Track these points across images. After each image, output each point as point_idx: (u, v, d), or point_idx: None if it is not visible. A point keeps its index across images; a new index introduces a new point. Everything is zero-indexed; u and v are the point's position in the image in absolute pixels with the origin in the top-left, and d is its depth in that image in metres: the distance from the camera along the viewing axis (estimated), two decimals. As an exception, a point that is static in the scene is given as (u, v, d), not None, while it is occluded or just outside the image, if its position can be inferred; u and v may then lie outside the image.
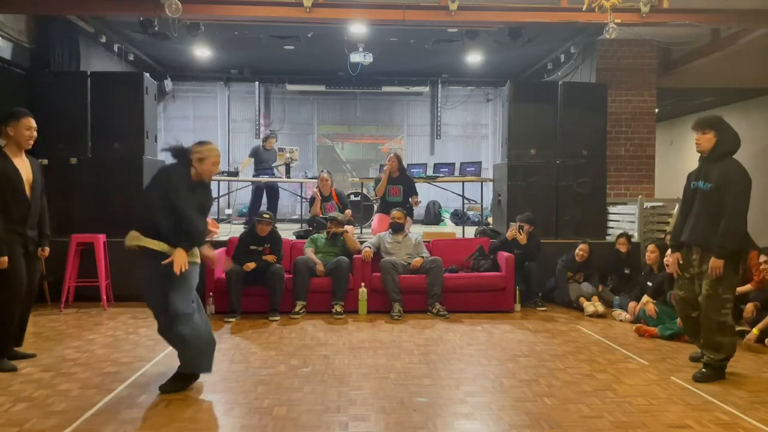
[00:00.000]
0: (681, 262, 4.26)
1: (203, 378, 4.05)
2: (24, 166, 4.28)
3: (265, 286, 6.02)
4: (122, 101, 7.04)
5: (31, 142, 4.32)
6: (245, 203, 10.95)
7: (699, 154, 4.18)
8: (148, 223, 3.71)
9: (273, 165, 9.70)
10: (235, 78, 12.07)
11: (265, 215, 6.32)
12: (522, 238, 6.56)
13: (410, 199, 7.34)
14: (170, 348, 4.74)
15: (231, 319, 5.82)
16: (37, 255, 4.45)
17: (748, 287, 5.42)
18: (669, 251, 4.43)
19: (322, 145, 12.91)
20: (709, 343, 4.08)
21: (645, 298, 5.71)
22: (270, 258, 6.14)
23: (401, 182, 7.40)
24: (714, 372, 4.09)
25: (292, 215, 11.67)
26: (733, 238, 3.94)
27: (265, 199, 9.51)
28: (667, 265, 4.53)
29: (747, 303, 5.34)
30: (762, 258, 5.24)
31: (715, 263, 3.94)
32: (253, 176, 9.51)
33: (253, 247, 6.19)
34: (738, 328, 5.24)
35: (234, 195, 11.09)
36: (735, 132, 4.10)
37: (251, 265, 6.00)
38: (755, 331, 4.99)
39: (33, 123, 4.32)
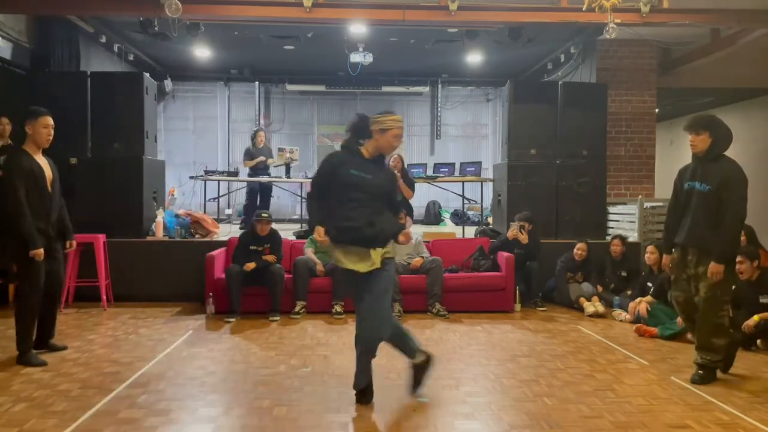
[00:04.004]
0: (672, 263, 4.27)
1: (204, 377, 4.07)
2: (44, 164, 4.41)
3: (265, 286, 6.02)
4: (122, 101, 7.04)
5: (50, 140, 4.44)
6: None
7: (696, 155, 4.13)
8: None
9: (274, 165, 9.66)
10: (235, 78, 12.06)
11: (264, 214, 6.31)
12: (524, 238, 6.56)
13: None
14: (170, 348, 4.78)
15: (231, 319, 5.81)
16: (60, 252, 4.58)
17: None
18: (652, 251, 4.43)
19: (322, 145, 12.89)
20: (705, 344, 4.07)
21: (640, 298, 5.74)
22: (270, 258, 6.15)
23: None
24: (710, 373, 4.09)
25: (292, 215, 11.66)
26: (734, 242, 3.97)
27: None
28: (666, 268, 4.52)
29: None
30: (738, 258, 5.21)
31: (715, 268, 3.92)
32: (249, 176, 9.41)
33: (253, 247, 6.18)
34: None
35: (234, 195, 11.08)
36: (728, 128, 4.06)
37: (251, 265, 5.99)
38: (756, 318, 4.96)
39: (50, 121, 4.43)
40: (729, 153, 4.10)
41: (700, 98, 10.82)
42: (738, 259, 5.08)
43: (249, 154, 9.25)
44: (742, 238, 5.69)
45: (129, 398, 3.66)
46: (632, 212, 7.55)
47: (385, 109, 3.95)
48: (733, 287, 5.15)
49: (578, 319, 6.12)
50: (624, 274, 6.65)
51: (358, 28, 8.04)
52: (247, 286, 6.01)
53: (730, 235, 3.92)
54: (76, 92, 6.97)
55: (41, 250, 4.24)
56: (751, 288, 5.10)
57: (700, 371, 4.09)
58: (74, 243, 4.80)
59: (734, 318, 5.13)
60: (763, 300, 5.03)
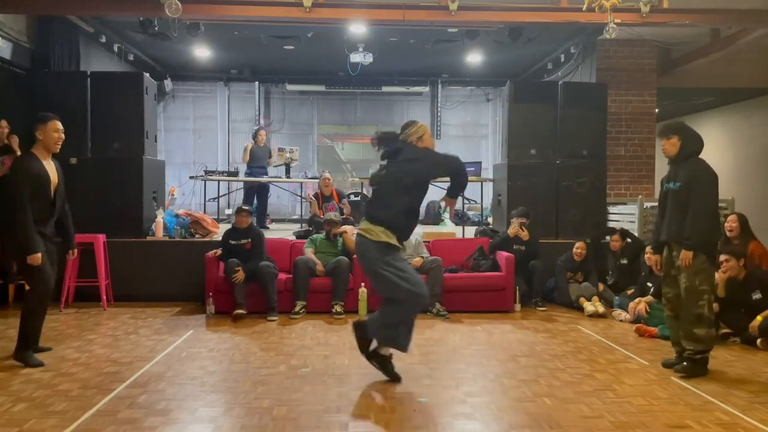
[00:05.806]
0: (659, 264, 4.47)
1: (204, 377, 4.07)
2: (51, 169, 4.42)
3: (258, 285, 5.99)
4: (122, 101, 7.03)
5: (60, 145, 4.45)
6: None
7: (670, 159, 4.38)
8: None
9: (273, 165, 9.67)
10: (235, 78, 12.07)
11: (244, 207, 6.42)
12: (525, 235, 6.59)
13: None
14: (170, 348, 4.78)
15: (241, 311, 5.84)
16: (55, 255, 4.54)
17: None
18: (649, 252, 4.60)
19: (322, 145, 12.91)
20: (688, 335, 4.20)
21: (640, 298, 5.75)
22: (239, 276, 5.91)
23: None
24: (694, 365, 4.17)
25: (292, 215, 11.67)
26: (699, 230, 4.12)
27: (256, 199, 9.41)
28: (655, 268, 4.60)
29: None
30: (722, 257, 5.24)
31: (684, 255, 4.13)
32: (246, 175, 9.40)
33: (233, 242, 6.19)
34: (722, 331, 5.22)
35: (234, 195, 11.08)
36: (697, 134, 4.36)
37: (240, 276, 5.91)
38: (759, 318, 4.97)
39: (60, 126, 4.45)
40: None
41: (700, 98, 10.81)
42: (724, 257, 5.20)
43: (251, 153, 9.29)
44: (735, 224, 5.74)
45: (129, 398, 3.66)
46: (632, 212, 7.54)
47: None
48: (724, 287, 5.23)
49: (578, 319, 6.12)
50: (625, 261, 6.67)
51: (358, 28, 8.05)
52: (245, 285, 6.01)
53: (700, 224, 4.12)
54: (76, 92, 6.95)
55: (38, 255, 4.22)
56: (741, 287, 5.19)
57: (684, 363, 4.20)
58: (75, 252, 4.90)
59: (729, 318, 5.16)
60: (755, 296, 5.09)
